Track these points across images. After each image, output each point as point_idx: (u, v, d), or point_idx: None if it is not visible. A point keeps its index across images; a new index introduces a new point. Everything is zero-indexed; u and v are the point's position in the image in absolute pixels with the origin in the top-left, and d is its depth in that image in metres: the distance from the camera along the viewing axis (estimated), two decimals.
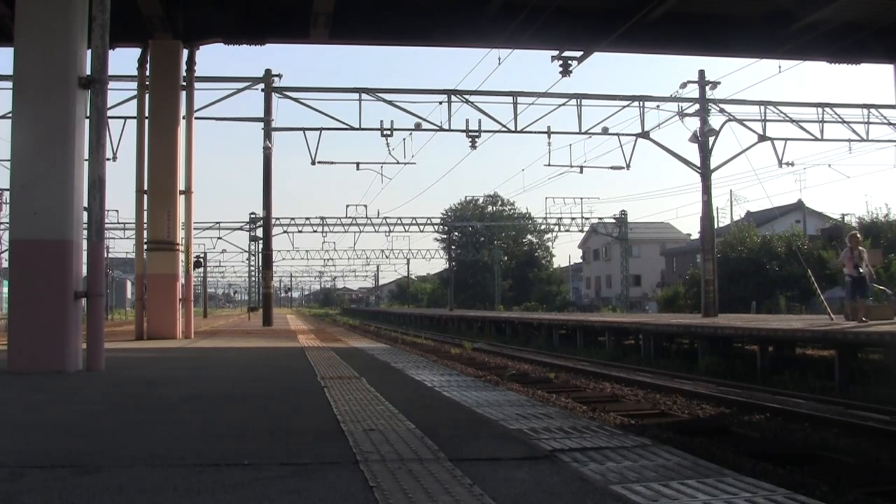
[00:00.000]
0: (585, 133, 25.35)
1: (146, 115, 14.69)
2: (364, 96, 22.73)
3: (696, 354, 16.39)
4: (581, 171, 29.00)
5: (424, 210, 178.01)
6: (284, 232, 50.05)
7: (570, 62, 15.17)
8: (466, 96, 23.28)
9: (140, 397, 5.83)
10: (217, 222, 52.83)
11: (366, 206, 54.14)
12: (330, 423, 4.28)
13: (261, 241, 34.97)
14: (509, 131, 23.79)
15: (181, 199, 14.82)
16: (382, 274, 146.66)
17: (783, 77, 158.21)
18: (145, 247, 14.58)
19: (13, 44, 7.73)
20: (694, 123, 24.21)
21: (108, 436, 4.10)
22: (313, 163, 24.90)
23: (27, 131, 7.70)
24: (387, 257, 70.96)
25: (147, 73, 14.77)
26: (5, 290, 20.35)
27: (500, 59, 29.14)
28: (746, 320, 19.41)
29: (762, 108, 24.79)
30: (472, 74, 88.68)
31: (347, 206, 64.02)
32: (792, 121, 24.99)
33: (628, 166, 26.78)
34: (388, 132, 23.87)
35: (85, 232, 7.85)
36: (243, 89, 21.95)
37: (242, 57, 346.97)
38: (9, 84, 17.76)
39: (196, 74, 15.79)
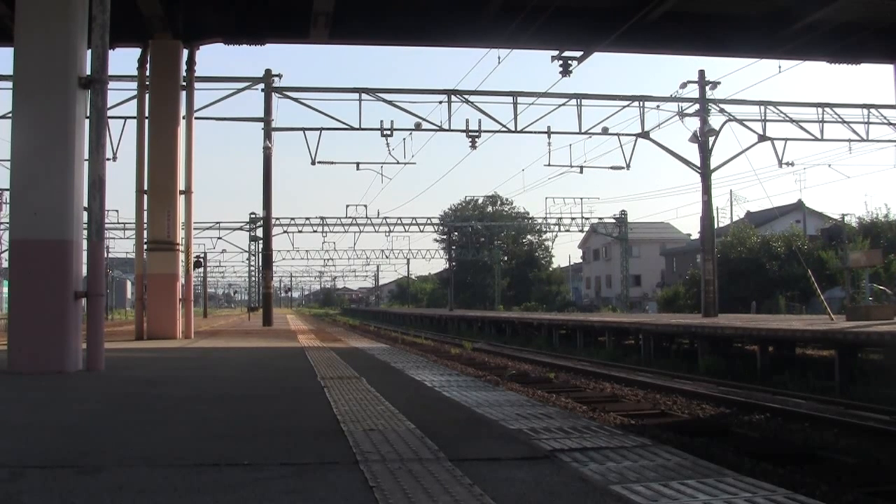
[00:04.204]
0: (585, 133, 25.38)
1: (146, 115, 14.68)
2: (364, 96, 22.75)
3: (696, 354, 16.39)
4: (581, 171, 29.05)
5: (424, 210, 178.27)
6: (284, 232, 50.06)
7: (570, 62, 15.17)
8: (466, 96, 23.29)
9: (140, 397, 5.83)
10: (217, 222, 52.87)
11: (366, 206, 54.26)
12: (330, 423, 4.28)
13: (261, 241, 34.98)
14: (509, 131, 23.81)
15: (181, 199, 14.81)
16: (382, 274, 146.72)
17: (783, 77, 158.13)
18: (145, 247, 14.57)
19: (13, 44, 7.73)
20: (694, 123, 24.26)
21: (108, 436, 4.10)
22: (313, 163, 24.94)
23: (27, 131, 7.69)
24: (387, 257, 70.93)
25: (147, 73, 14.75)
26: (5, 290, 20.34)
27: (499, 58, 29.15)
28: (746, 320, 19.41)
29: (762, 108, 24.81)
30: (471, 74, 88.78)
31: (347, 206, 63.99)
32: (792, 121, 25.00)
33: (628, 166, 26.82)
34: (388, 132, 23.88)
35: (85, 232, 7.84)
36: (243, 89, 21.99)
37: (242, 57, 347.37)
38: (9, 84, 17.80)
39: (196, 74, 15.79)
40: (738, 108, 25.03)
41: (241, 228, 53.57)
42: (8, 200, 14.10)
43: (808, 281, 22.05)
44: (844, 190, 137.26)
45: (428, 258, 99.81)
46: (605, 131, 25.28)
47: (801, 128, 24.97)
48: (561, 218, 51.23)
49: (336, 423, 4.26)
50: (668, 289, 49.06)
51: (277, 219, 45.12)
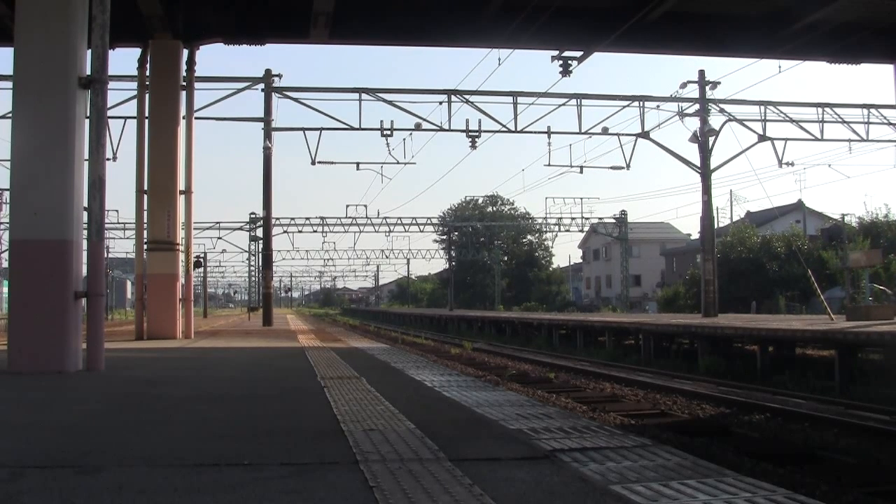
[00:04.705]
0: (585, 133, 25.37)
1: (146, 115, 14.68)
2: (364, 96, 22.74)
3: (696, 354, 16.39)
4: (581, 171, 29.06)
5: (424, 210, 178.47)
6: (284, 232, 50.07)
7: (570, 62, 15.17)
8: (466, 96, 23.28)
9: (140, 397, 5.83)
10: (217, 222, 52.87)
11: (366, 206, 54.27)
12: (330, 423, 4.28)
13: (261, 241, 34.98)
14: (509, 131, 23.80)
15: (181, 199, 14.81)
16: (382, 274, 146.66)
17: (783, 77, 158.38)
18: (145, 247, 14.57)
19: (13, 44, 7.73)
20: (694, 123, 24.25)
21: (108, 436, 4.10)
22: (313, 163, 24.93)
23: (27, 131, 7.69)
24: (387, 257, 70.98)
25: (147, 73, 14.75)
26: (5, 290, 20.35)
27: (500, 59, 29.23)
28: (746, 320, 19.41)
29: (762, 108, 24.80)
30: (472, 74, 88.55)
31: (347, 206, 64.08)
32: (792, 121, 24.99)
33: (628, 166, 26.82)
34: (388, 132, 23.88)
35: (85, 232, 7.84)
36: (243, 89, 21.99)
37: (242, 57, 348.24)
38: (9, 84, 17.80)
39: (196, 74, 15.78)
40: (738, 108, 25.06)
41: (241, 228, 53.64)
42: (8, 200, 14.10)
43: (808, 281, 22.04)
44: (844, 190, 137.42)
45: (428, 258, 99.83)
46: (605, 131, 25.28)
47: (801, 128, 24.98)
48: (561, 218, 51.33)
49: (336, 423, 4.26)
50: (668, 289, 49.06)
51: (277, 219, 45.16)
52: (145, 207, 14.51)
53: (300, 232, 50.79)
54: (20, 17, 7.71)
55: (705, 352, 16.03)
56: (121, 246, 68.51)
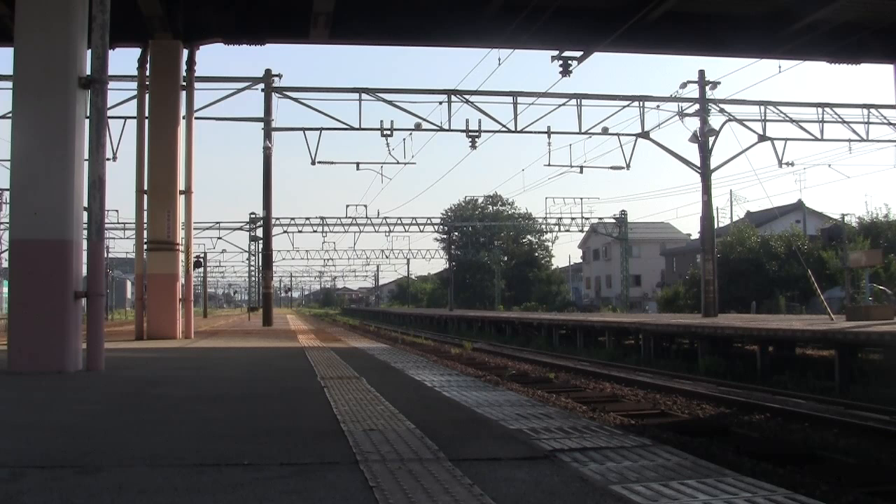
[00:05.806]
0: (585, 133, 25.38)
1: (146, 115, 14.68)
2: (364, 96, 22.75)
3: (696, 354, 16.39)
4: (581, 171, 29.06)
5: (424, 210, 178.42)
6: (284, 232, 50.09)
7: (570, 62, 15.17)
8: (466, 96, 23.28)
9: (140, 397, 5.83)
10: (217, 222, 52.91)
11: (366, 206, 54.26)
12: (330, 423, 4.28)
13: (261, 241, 34.98)
14: (509, 131, 23.81)
15: (181, 199, 14.81)
16: (382, 274, 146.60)
17: (783, 77, 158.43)
18: (145, 247, 14.57)
19: (13, 44, 7.73)
20: (694, 123, 24.26)
21: (109, 436, 4.10)
22: (313, 163, 24.94)
23: (27, 131, 7.69)
24: (387, 257, 71.06)
25: (147, 73, 14.75)
26: (5, 290, 20.35)
27: (500, 59, 29.23)
28: (746, 320, 19.41)
29: (762, 108, 24.81)
30: (472, 74, 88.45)
31: (347, 206, 64.14)
32: (792, 121, 25.00)
33: (628, 166, 26.82)
34: (388, 132, 23.88)
35: (85, 232, 7.84)
36: (243, 89, 21.99)
37: (242, 57, 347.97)
38: (9, 84, 17.80)
39: (196, 74, 15.78)
40: (738, 108, 25.07)
41: (241, 228, 53.66)
42: (8, 200, 14.10)
43: (808, 281, 22.04)
44: (844, 190, 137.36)
45: (428, 258, 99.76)
46: (605, 131, 25.29)
47: (801, 128, 24.98)
48: (561, 218, 51.37)
49: (336, 423, 4.26)
50: (668, 289, 49.05)
51: (277, 219, 45.19)
52: (145, 207, 14.51)
53: (300, 232, 50.88)
54: (20, 17, 7.71)
55: (705, 352, 16.03)
56: (121, 246, 68.51)
